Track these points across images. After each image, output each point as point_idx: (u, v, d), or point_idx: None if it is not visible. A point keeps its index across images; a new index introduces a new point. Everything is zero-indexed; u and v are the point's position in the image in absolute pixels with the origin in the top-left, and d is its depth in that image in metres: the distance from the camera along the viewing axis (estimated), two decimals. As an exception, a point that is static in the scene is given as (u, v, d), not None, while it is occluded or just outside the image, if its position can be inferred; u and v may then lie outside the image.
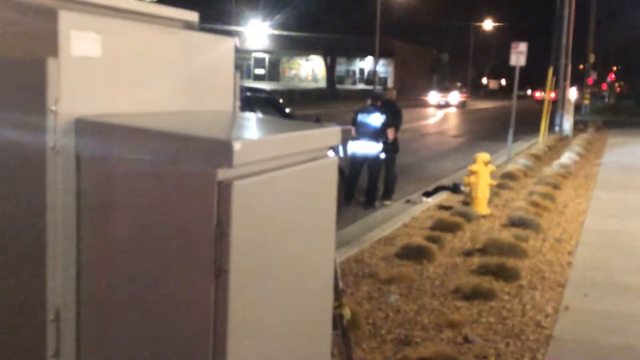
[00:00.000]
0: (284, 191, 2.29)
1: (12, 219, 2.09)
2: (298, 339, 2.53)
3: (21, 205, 2.07)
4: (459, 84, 61.08)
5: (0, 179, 2.09)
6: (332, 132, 2.67)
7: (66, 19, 2.05)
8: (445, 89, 52.66)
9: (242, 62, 62.36)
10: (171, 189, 2.01)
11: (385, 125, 10.06)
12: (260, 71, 67.53)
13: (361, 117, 10.14)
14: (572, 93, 19.88)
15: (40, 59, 2.00)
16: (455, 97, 49.90)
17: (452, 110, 45.27)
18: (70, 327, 2.15)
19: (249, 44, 58.55)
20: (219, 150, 1.93)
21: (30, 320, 2.09)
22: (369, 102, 10.53)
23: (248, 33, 52.84)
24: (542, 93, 29.79)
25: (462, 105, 49.61)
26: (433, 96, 49.43)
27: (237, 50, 3.04)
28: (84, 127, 2.08)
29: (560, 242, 7.83)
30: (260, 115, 6.95)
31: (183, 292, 2.01)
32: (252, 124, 2.84)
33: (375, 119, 10.01)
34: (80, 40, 2.09)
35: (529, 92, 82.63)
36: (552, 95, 20.30)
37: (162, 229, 2.03)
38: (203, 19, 2.92)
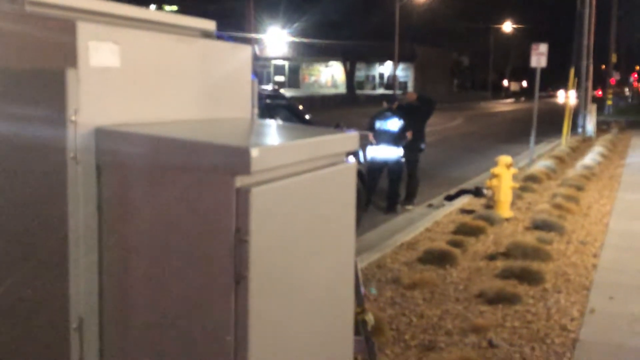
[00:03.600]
0: (302, 197, 2.29)
1: (34, 229, 2.12)
2: (319, 344, 2.52)
3: (43, 215, 2.10)
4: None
5: (23, 189, 2.12)
6: (350, 138, 2.67)
7: (85, 30, 2.07)
8: None
9: (262, 70, 62.57)
10: (190, 196, 2.02)
11: (404, 129, 10.07)
12: (280, 78, 67.74)
13: (379, 124, 10.14)
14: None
15: (60, 70, 2.02)
16: None
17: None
18: (93, 335, 2.16)
19: (269, 52, 58.84)
20: (237, 157, 1.94)
21: (54, 329, 2.11)
22: (384, 105, 10.55)
23: (268, 41, 53.09)
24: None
25: None
26: None
27: (257, 58, 3.06)
28: (103, 136, 2.10)
29: (585, 244, 7.74)
30: (278, 121, 6.97)
31: (203, 299, 2.02)
32: (269, 131, 2.85)
33: (393, 124, 10.02)
34: (99, 51, 2.11)
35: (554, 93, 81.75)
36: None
37: (182, 236, 2.04)
38: (223, 27, 2.94)
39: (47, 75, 2.05)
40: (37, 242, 2.11)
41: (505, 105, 60.54)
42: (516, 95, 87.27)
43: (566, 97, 19.54)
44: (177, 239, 2.05)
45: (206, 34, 2.83)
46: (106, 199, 2.13)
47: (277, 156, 2.13)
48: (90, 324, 2.14)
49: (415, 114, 10.57)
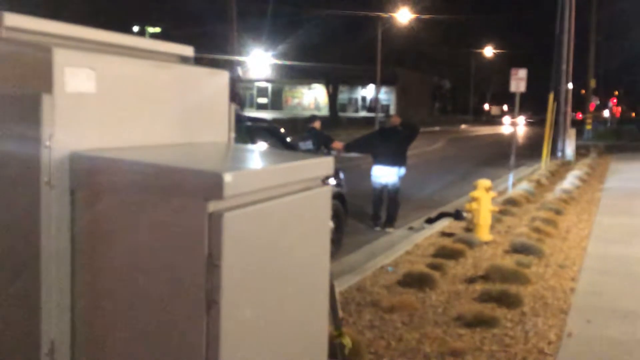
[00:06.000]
0: (276, 221, 2.30)
1: (6, 253, 2.11)
2: (294, 369, 2.52)
3: (16, 240, 2.09)
4: None
5: (-4, 214, 2.11)
6: (325, 162, 2.69)
7: (61, 55, 2.08)
8: None
9: (245, 92, 62.72)
10: (163, 221, 2.02)
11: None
12: (263, 100, 67.93)
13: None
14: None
15: (35, 95, 2.03)
16: None
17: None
18: (65, 361, 2.15)
19: (252, 74, 59.01)
20: (210, 182, 1.95)
21: (25, 354, 2.09)
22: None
23: (251, 63, 53.25)
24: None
25: None
26: None
27: (240, 80, 3.09)
28: (78, 161, 2.11)
29: (563, 268, 7.79)
30: (255, 146, 6.98)
31: (175, 324, 2.01)
32: (244, 156, 2.87)
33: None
34: (75, 77, 2.12)
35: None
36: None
37: (155, 261, 2.04)
38: (206, 49, 2.96)
39: (23, 100, 2.06)
40: (8, 265, 2.10)
41: (485, 129, 60.99)
42: (495, 118, 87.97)
43: (548, 122, 19.66)
44: (150, 263, 2.06)
45: (183, 60, 2.85)
46: (80, 223, 2.13)
47: (250, 181, 2.14)
48: (62, 349, 2.13)
49: (398, 138, 10.66)
